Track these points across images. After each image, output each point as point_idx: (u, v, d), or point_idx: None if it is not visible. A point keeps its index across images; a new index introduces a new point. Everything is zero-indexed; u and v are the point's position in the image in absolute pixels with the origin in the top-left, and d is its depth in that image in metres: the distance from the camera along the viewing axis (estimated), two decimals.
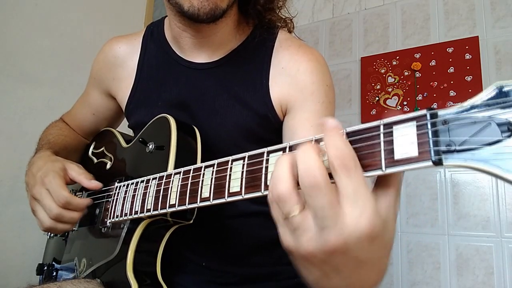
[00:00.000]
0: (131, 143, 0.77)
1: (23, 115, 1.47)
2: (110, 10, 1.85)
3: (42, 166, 0.70)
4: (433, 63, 1.69)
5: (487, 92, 0.28)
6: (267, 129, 0.72)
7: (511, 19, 1.56)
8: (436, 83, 1.66)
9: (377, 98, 1.78)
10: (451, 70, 1.64)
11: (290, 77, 0.70)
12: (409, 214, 1.61)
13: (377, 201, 0.32)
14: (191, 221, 0.62)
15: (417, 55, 1.73)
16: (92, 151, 0.90)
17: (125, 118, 0.89)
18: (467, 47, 1.62)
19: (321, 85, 0.70)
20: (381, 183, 0.34)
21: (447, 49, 1.66)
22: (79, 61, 1.61)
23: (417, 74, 1.71)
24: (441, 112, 0.30)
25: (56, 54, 1.60)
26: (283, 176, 0.32)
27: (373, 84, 1.81)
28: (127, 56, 0.82)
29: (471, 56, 1.60)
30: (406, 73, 1.74)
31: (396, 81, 1.76)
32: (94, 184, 0.69)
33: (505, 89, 0.27)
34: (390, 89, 1.76)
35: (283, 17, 0.79)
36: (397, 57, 1.78)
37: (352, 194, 0.30)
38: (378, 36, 1.86)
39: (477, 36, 1.60)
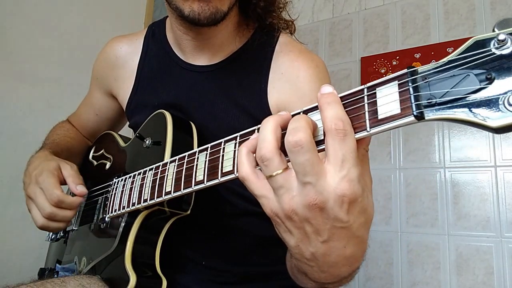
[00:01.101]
0: (129, 142, 0.78)
1: (23, 115, 1.47)
2: (110, 10, 1.86)
3: (38, 165, 0.70)
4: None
5: (464, 47, 0.29)
6: None
7: None
8: None
9: None
10: None
11: (289, 83, 0.69)
12: (409, 214, 1.61)
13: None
14: (188, 212, 0.62)
15: (417, 55, 1.73)
16: (92, 155, 0.90)
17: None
18: None
19: None
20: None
21: (447, 49, 1.66)
22: (79, 61, 1.61)
23: None
24: (421, 69, 0.31)
25: (56, 54, 1.60)
26: (267, 137, 0.34)
27: None
28: (128, 56, 0.82)
29: None
30: None
31: None
32: (79, 190, 0.68)
33: (481, 42, 0.28)
34: None
35: (284, 19, 0.78)
36: (397, 57, 1.78)
37: (341, 157, 0.32)
38: (378, 36, 1.86)
39: None
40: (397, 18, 1.83)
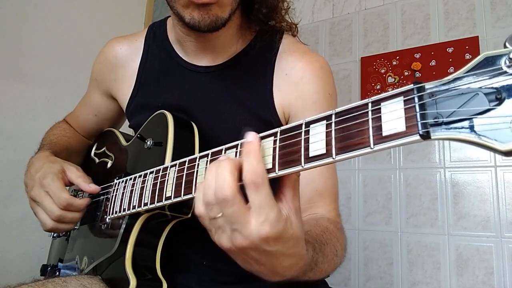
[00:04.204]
0: (130, 141, 0.78)
1: (23, 115, 1.47)
2: (110, 10, 1.85)
3: (41, 167, 0.69)
4: (433, 63, 1.69)
5: (474, 63, 0.28)
6: None
7: (511, 19, 1.56)
8: None
9: None
10: (451, 70, 1.64)
11: (294, 85, 0.70)
12: (409, 214, 1.61)
13: (279, 205, 0.39)
14: (189, 215, 0.62)
15: (417, 55, 1.73)
16: (94, 152, 0.90)
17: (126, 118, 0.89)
18: (467, 47, 1.62)
19: (324, 95, 0.70)
20: (279, 187, 0.40)
21: (447, 49, 1.66)
22: (79, 61, 1.61)
23: (417, 74, 1.71)
24: (428, 85, 0.30)
25: (56, 54, 1.60)
26: (212, 185, 0.38)
27: (373, 84, 1.81)
28: (129, 56, 0.82)
29: (471, 56, 1.60)
30: (406, 73, 1.74)
31: (396, 81, 1.76)
32: (92, 188, 0.69)
33: (491, 58, 0.27)
34: (390, 89, 1.76)
35: (287, 21, 0.78)
36: (397, 57, 1.78)
37: (257, 205, 0.36)
38: (378, 36, 1.86)
39: (477, 36, 1.60)
40: (397, 18, 1.83)
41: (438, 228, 1.54)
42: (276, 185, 0.41)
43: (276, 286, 0.73)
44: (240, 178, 0.38)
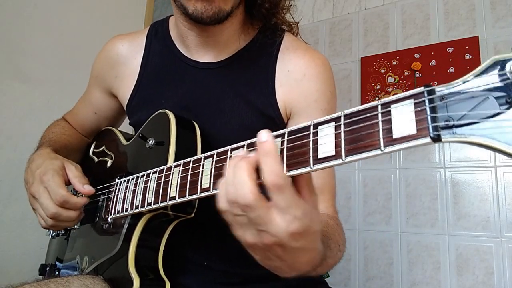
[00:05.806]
0: (131, 140, 0.77)
1: (23, 115, 1.47)
2: (110, 10, 1.85)
3: (41, 164, 0.69)
4: (433, 63, 1.69)
5: (483, 67, 0.28)
6: (272, 130, 0.72)
7: (511, 19, 1.56)
8: (436, 83, 1.65)
9: (377, 98, 1.78)
10: (451, 70, 1.64)
11: (296, 81, 0.71)
12: (409, 214, 1.61)
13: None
14: (192, 215, 0.62)
15: (417, 55, 1.73)
16: (93, 151, 0.90)
17: (126, 117, 0.89)
18: (467, 47, 1.62)
19: (325, 92, 0.71)
20: (295, 187, 0.39)
21: (447, 49, 1.66)
22: (79, 61, 1.61)
23: (417, 74, 1.71)
24: (438, 88, 0.30)
25: (56, 54, 1.60)
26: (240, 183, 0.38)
27: (373, 84, 1.81)
28: (130, 54, 0.82)
29: (471, 56, 1.60)
30: (406, 73, 1.74)
31: (396, 81, 1.76)
32: (86, 189, 0.68)
33: (501, 62, 0.27)
34: (390, 89, 1.76)
35: (288, 21, 0.79)
36: (397, 57, 1.78)
37: (283, 206, 0.36)
38: (378, 36, 1.86)
39: (477, 36, 1.60)
40: (397, 18, 1.83)
41: (438, 228, 1.54)
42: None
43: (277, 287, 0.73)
44: (258, 176, 0.37)
